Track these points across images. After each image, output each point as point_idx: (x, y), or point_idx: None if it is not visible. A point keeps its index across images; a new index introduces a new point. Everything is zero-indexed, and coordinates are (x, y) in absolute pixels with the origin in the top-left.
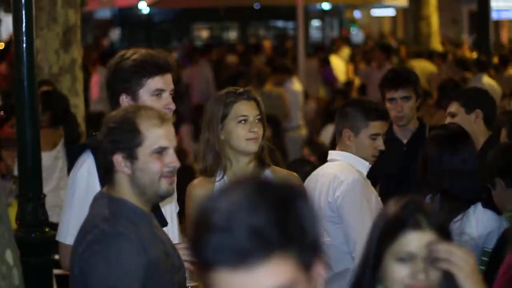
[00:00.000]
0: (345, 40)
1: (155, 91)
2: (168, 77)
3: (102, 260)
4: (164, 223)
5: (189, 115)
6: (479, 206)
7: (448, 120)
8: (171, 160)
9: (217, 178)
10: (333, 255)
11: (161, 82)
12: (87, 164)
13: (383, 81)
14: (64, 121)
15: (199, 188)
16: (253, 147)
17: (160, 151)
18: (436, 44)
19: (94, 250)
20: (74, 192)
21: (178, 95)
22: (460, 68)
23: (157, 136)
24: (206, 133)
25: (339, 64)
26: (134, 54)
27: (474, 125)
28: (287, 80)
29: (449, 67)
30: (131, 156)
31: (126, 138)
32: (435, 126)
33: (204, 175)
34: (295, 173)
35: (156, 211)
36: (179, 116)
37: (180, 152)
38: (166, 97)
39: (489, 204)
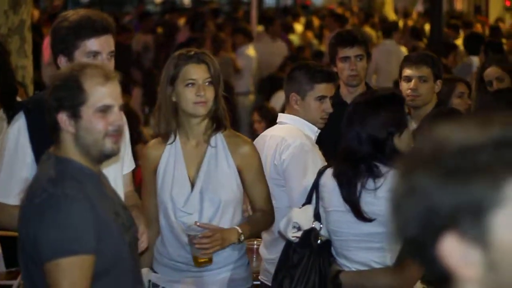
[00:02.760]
0: (302, 7)
1: (90, 53)
2: (105, 39)
3: (52, 225)
4: None
5: (141, 79)
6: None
7: (415, 83)
8: (116, 118)
9: (169, 141)
10: (277, 218)
11: (97, 44)
12: (18, 124)
13: (336, 39)
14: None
15: (153, 149)
16: (200, 110)
17: (104, 110)
18: (389, 12)
19: (43, 215)
20: (4, 151)
21: (130, 59)
22: (414, 37)
23: (101, 94)
24: (159, 94)
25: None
26: (73, 15)
27: (434, 95)
28: (244, 45)
29: (401, 36)
30: (75, 115)
31: (70, 96)
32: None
33: (158, 137)
34: (248, 139)
35: None
36: (131, 81)
37: (133, 116)
38: (103, 59)
39: None
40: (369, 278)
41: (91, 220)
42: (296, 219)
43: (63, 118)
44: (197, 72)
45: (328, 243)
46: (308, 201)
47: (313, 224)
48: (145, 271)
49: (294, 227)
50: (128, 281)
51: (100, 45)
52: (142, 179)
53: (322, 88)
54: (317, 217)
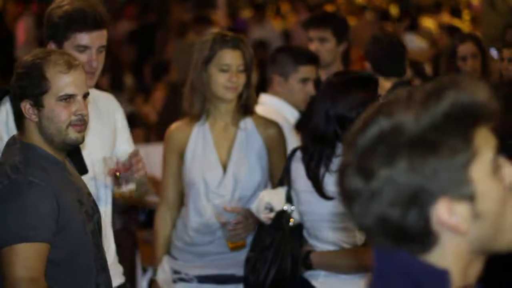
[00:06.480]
0: None
1: (79, 47)
2: (96, 34)
3: (11, 211)
4: (84, 170)
5: (109, 65)
6: None
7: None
8: (79, 107)
9: (200, 122)
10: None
11: (86, 39)
12: (5, 108)
13: (306, 20)
14: None
15: (179, 131)
16: (230, 95)
17: (67, 99)
18: None
19: (3, 201)
20: None
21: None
22: (382, 19)
23: (64, 83)
24: (191, 73)
25: None
26: (67, 4)
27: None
28: (207, 30)
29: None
30: (37, 104)
31: (33, 84)
32: None
33: (187, 117)
34: (275, 121)
35: (77, 156)
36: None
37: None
38: (90, 54)
39: None
40: (338, 257)
41: (52, 209)
42: (268, 199)
43: (26, 106)
44: (231, 58)
45: (300, 226)
46: (280, 184)
47: (285, 206)
48: (165, 259)
49: (266, 208)
50: (90, 270)
51: (90, 40)
52: (163, 160)
53: (306, 70)
54: (289, 199)
